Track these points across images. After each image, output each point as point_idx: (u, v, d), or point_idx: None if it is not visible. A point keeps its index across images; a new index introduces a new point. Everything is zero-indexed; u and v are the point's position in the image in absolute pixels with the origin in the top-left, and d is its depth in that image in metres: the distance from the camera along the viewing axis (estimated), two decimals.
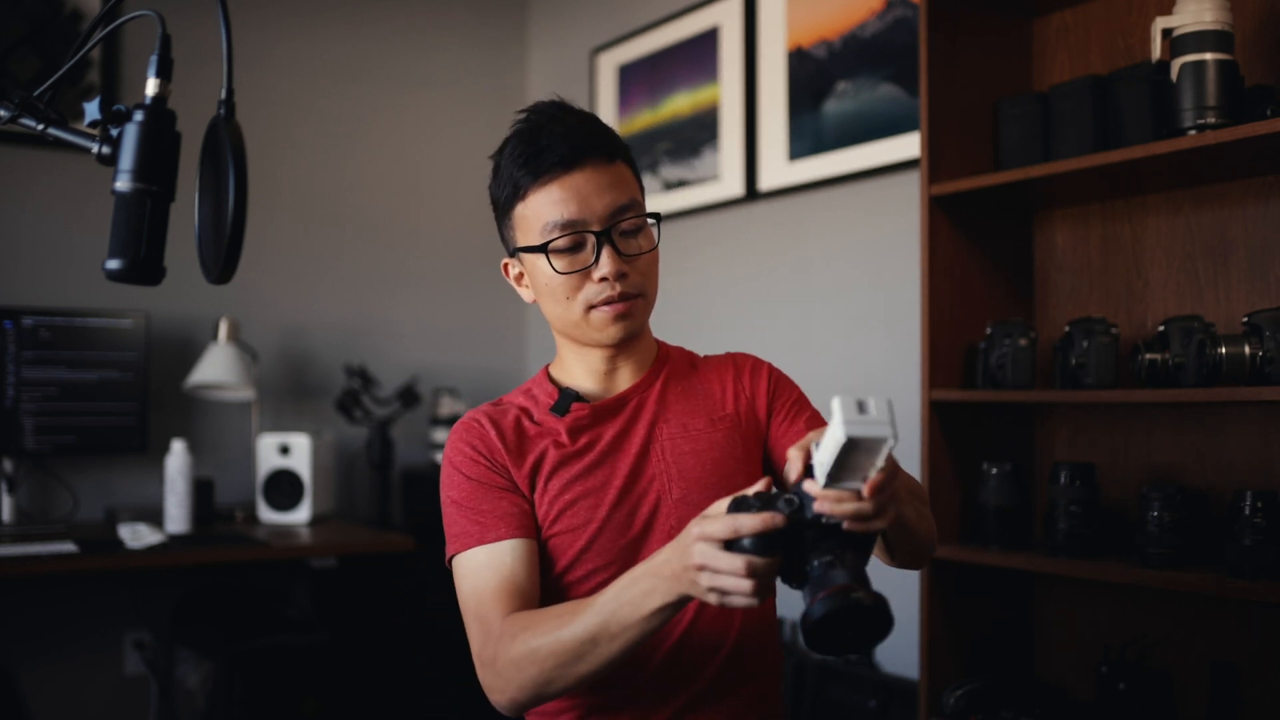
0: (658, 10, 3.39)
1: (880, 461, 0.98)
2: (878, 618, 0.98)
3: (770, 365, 1.46)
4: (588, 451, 1.35)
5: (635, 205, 1.33)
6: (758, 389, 1.42)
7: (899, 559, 1.28)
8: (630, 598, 1.11)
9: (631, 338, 1.35)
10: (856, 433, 0.94)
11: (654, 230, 1.35)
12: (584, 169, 1.29)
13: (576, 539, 1.31)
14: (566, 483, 1.33)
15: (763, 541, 1.01)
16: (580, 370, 1.40)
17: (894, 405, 0.97)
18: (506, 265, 1.40)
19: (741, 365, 1.45)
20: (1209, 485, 2.00)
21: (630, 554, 1.31)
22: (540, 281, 1.33)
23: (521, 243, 1.34)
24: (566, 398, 1.37)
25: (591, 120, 1.34)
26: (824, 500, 0.99)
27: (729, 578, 1.02)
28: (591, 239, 1.29)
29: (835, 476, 0.99)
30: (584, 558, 1.31)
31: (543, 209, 1.30)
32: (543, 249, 1.30)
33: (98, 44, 1.09)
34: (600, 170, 1.30)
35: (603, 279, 1.29)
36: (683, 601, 1.09)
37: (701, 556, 1.03)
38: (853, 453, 0.97)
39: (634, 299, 1.32)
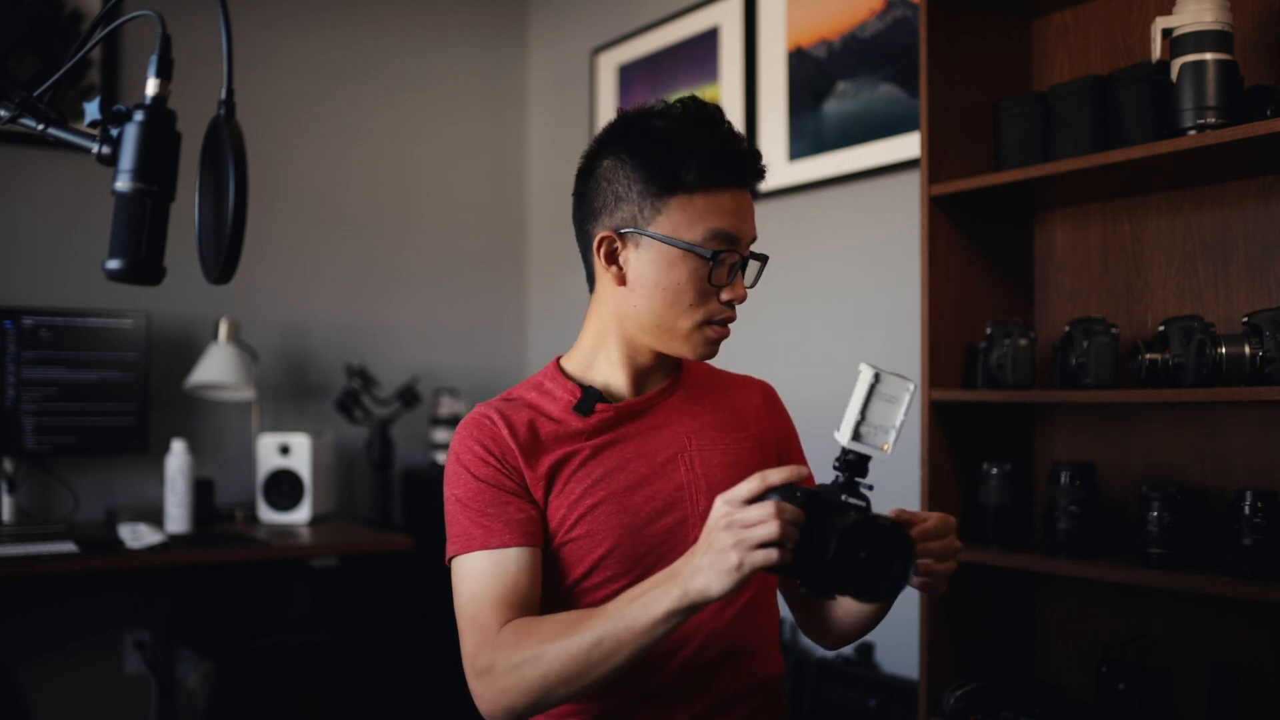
0: (658, 10, 3.39)
1: (903, 413, 1.09)
2: (899, 540, 1.05)
3: (782, 404, 1.51)
4: (612, 455, 1.31)
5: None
6: (781, 429, 1.46)
7: (816, 631, 1.38)
8: (641, 604, 1.10)
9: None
10: (882, 371, 1.09)
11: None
12: (747, 192, 1.32)
13: (597, 545, 1.28)
14: (587, 487, 1.29)
15: (788, 493, 1.06)
16: (609, 368, 1.36)
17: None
18: (607, 238, 1.31)
19: (771, 397, 1.48)
20: (1209, 485, 2.00)
21: (650, 564, 1.27)
22: (665, 278, 1.28)
23: (667, 233, 1.27)
24: (590, 397, 1.33)
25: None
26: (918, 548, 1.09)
27: (757, 528, 1.03)
28: (734, 259, 1.30)
29: (859, 434, 1.09)
30: (602, 565, 1.28)
31: (712, 213, 1.28)
32: (711, 256, 1.27)
33: (98, 44, 1.09)
34: (749, 196, 1.33)
35: (728, 301, 1.30)
36: (693, 609, 1.09)
37: (726, 516, 1.06)
38: (877, 399, 1.09)
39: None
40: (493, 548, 1.24)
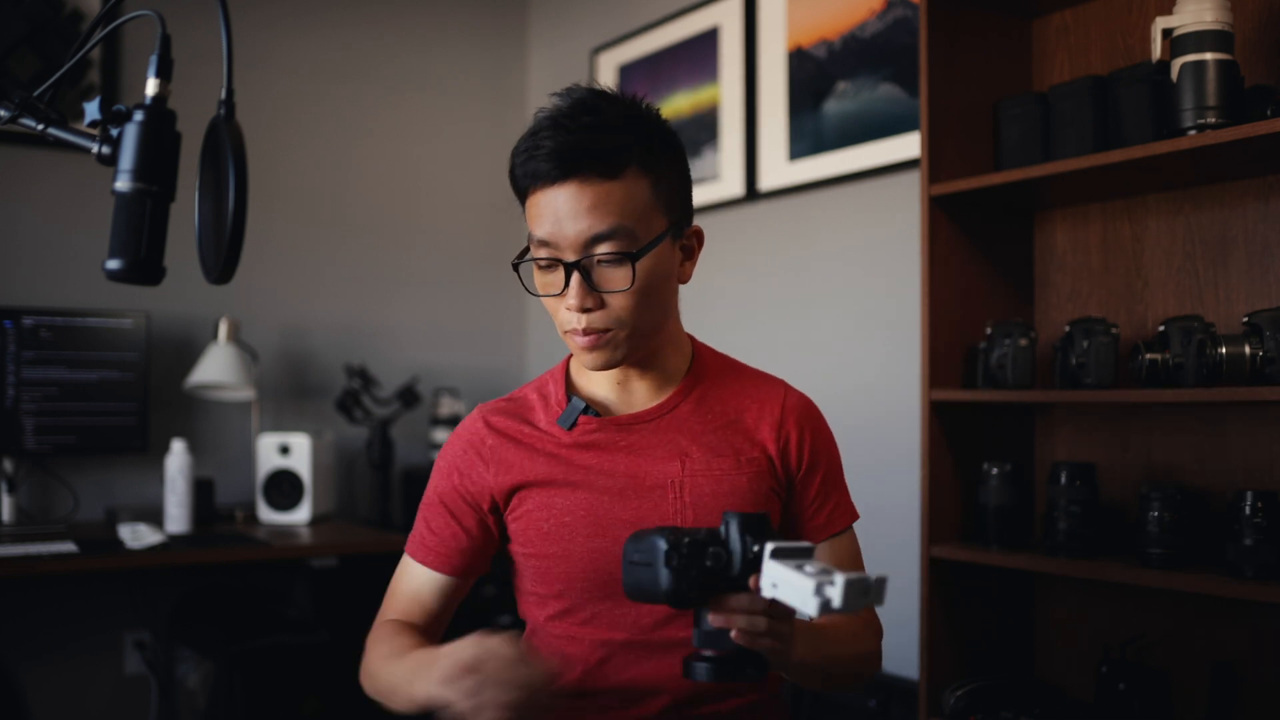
0: (658, 10, 3.39)
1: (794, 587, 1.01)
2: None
3: (824, 424, 1.36)
4: (594, 473, 1.26)
5: (618, 234, 1.17)
6: (805, 447, 1.32)
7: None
8: (417, 678, 1.13)
9: (611, 368, 1.25)
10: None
11: (634, 267, 1.18)
12: (568, 185, 1.17)
13: (571, 565, 1.25)
14: (563, 505, 1.26)
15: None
16: (597, 375, 1.31)
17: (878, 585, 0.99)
18: None
19: (790, 411, 1.33)
20: (1209, 485, 2.00)
21: (621, 591, 1.24)
22: None
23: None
24: (574, 409, 1.28)
25: (604, 126, 1.18)
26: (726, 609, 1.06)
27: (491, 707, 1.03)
28: (543, 264, 1.21)
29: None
30: (575, 585, 1.26)
31: (532, 217, 1.22)
32: (514, 265, 1.25)
33: (98, 44, 1.09)
34: (588, 188, 1.16)
35: (569, 308, 1.20)
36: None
37: (482, 672, 1.04)
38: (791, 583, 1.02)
39: (604, 333, 1.20)
40: (417, 560, 1.33)
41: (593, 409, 1.29)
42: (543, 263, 1.21)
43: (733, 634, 1.05)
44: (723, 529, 1.07)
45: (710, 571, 1.05)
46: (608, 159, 1.17)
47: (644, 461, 1.27)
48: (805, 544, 1.05)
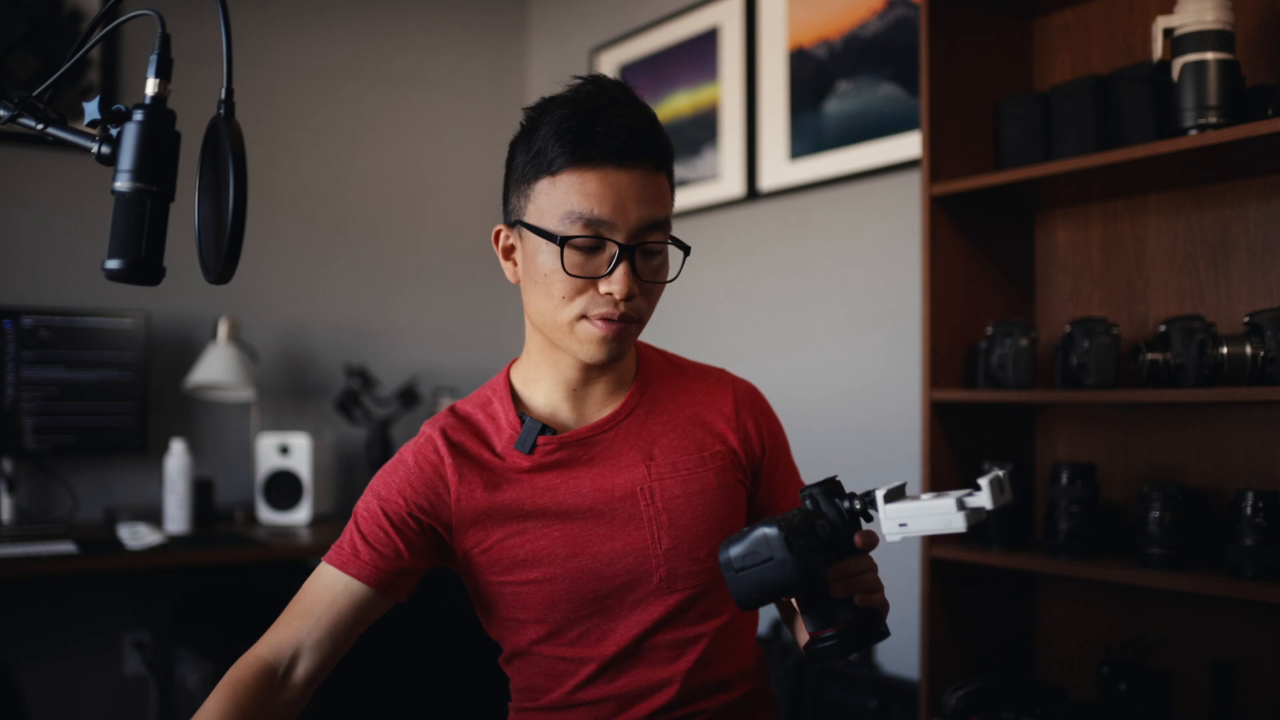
0: (658, 10, 3.39)
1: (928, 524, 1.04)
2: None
3: (771, 408, 1.38)
4: (562, 494, 1.24)
5: (664, 225, 1.20)
6: (763, 434, 1.34)
7: None
8: None
9: (614, 360, 1.22)
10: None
11: (684, 259, 1.22)
12: (632, 171, 1.17)
13: (553, 588, 1.24)
14: (535, 531, 1.24)
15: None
16: (549, 379, 1.27)
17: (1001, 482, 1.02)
18: (500, 233, 1.26)
19: (743, 400, 1.35)
20: (1209, 485, 2.00)
21: (607, 607, 1.24)
22: (538, 269, 1.19)
23: (533, 220, 1.19)
24: (531, 431, 1.25)
25: (652, 119, 1.21)
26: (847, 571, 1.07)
27: None
28: (613, 248, 1.17)
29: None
30: (557, 607, 1.24)
31: (572, 196, 1.16)
32: (560, 240, 1.16)
33: (97, 44, 1.09)
34: (646, 177, 1.18)
35: (608, 294, 1.17)
36: None
37: None
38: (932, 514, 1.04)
39: (632, 324, 1.20)
40: (345, 571, 1.22)
41: (549, 427, 1.26)
42: (587, 243, 1.17)
43: (856, 598, 1.06)
44: (808, 503, 1.07)
45: (825, 544, 1.05)
46: (661, 153, 1.21)
47: (609, 473, 1.25)
48: (898, 483, 1.06)
